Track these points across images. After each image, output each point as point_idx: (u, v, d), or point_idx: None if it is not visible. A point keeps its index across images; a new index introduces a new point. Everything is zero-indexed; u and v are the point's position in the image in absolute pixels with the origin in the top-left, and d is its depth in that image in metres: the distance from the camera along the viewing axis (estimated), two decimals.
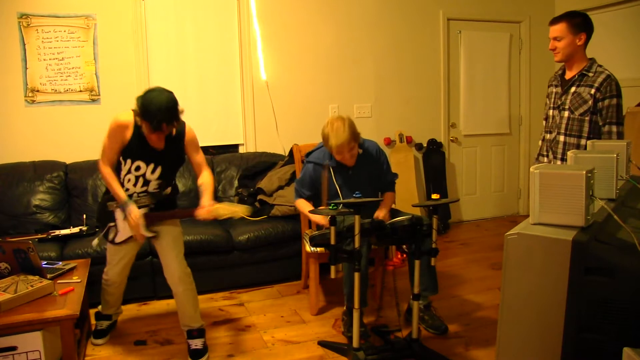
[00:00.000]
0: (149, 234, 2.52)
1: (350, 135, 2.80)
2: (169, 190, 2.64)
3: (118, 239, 2.56)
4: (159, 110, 2.25)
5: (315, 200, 3.09)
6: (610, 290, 1.25)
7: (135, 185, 2.50)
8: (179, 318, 2.69)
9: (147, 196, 2.53)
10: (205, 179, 2.60)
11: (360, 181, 2.98)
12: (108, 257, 2.67)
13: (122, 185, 2.48)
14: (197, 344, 2.65)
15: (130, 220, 2.43)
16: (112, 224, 2.55)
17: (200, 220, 2.46)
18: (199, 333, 2.68)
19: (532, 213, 1.46)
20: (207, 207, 2.45)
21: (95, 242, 2.79)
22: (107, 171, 2.45)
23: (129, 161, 2.45)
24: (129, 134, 2.41)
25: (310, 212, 2.83)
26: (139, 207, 2.48)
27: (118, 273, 2.68)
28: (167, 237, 2.60)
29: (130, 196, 2.49)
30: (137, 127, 2.41)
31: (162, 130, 2.30)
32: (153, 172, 2.50)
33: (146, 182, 2.51)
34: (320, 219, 2.90)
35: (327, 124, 2.85)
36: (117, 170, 2.48)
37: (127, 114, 2.43)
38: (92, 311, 2.94)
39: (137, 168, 2.47)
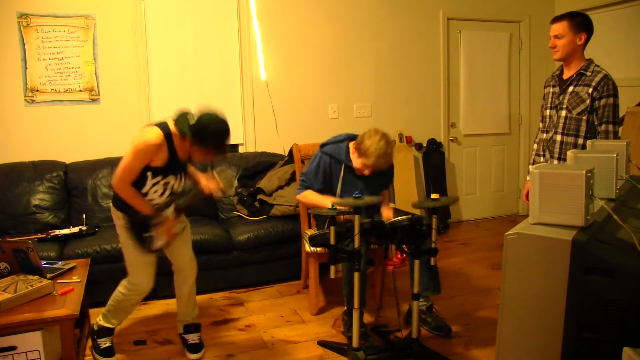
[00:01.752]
0: (180, 229, 2.53)
1: (388, 162, 2.81)
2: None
3: (157, 246, 2.43)
4: (224, 130, 2.24)
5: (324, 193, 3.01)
6: (610, 290, 1.25)
7: (162, 195, 2.40)
8: (180, 314, 2.72)
9: (172, 202, 2.48)
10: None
11: (369, 184, 2.94)
12: (134, 270, 2.49)
13: (146, 195, 2.36)
14: (194, 338, 2.71)
15: (168, 228, 2.38)
16: (146, 234, 2.38)
17: (212, 193, 2.49)
18: (196, 328, 2.73)
19: (531, 213, 1.46)
20: (210, 179, 2.49)
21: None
22: (129, 189, 2.29)
23: (159, 177, 2.34)
24: (164, 153, 2.28)
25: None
26: (169, 208, 2.46)
27: (149, 279, 2.51)
28: (186, 233, 2.64)
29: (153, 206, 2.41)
30: (170, 144, 2.29)
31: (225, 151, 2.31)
32: (181, 181, 2.46)
33: (172, 193, 2.45)
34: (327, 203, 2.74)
35: (373, 136, 2.75)
36: (138, 183, 2.33)
37: (155, 132, 2.25)
38: (92, 311, 2.94)
39: (167, 183, 2.39)
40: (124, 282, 2.52)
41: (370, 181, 2.94)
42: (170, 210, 2.45)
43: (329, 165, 2.95)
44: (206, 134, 2.21)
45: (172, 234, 2.43)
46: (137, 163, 2.26)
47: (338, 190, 2.95)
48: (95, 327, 2.59)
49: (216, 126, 2.22)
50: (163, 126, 2.28)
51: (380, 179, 3.00)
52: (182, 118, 2.26)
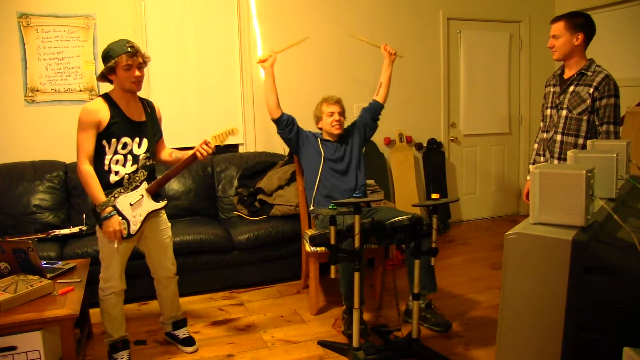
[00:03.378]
0: (160, 204, 2.54)
1: (340, 99, 3.30)
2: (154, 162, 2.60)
3: (134, 229, 2.44)
4: (121, 40, 2.36)
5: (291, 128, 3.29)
6: (610, 290, 1.25)
7: (124, 165, 2.41)
8: (165, 316, 2.76)
9: (140, 171, 2.47)
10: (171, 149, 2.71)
11: (345, 154, 3.27)
12: (106, 263, 2.44)
13: (110, 171, 2.37)
14: (184, 332, 2.75)
15: (114, 229, 2.33)
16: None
17: (203, 159, 2.53)
18: (183, 322, 2.79)
19: (532, 213, 1.46)
20: (202, 145, 2.50)
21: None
22: (86, 169, 2.32)
23: (113, 141, 2.36)
24: (106, 113, 2.35)
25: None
26: (139, 185, 2.46)
27: (120, 275, 2.47)
28: (166, 233, 2.65)
29: (120, 181, 2.39)
30: (112, 104, 2.38)
31: (138, 53, 2.37)
32: (140, 146, 2.45)
33: (135, 159, 2.44)
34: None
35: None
36: (98, 160, 2.37)
37: (94, 101, 2.40)
38: (92, 311, 2.93)
39: (124, 146, 2.40)
40: (99, 284, 2.48)
41: (344, 151, 3.29)
42: (141, 191, 2.46)
43: (307, 135, 3.34)
44: (108, 49, 2.35)
45: (117, 237, 2.36)
46: (84, 134, 2.32)
47: (322, 156, 3.24)
48: (108, 348, 2.55)
49: (111, 43, 2.37)
50: (102, 94, 2.44)
51: (353, 146, 3.31)
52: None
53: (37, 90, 3.84)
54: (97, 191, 2.33)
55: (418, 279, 2.58)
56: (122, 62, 2.32)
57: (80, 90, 3.93)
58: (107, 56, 2.35)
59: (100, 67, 2.41)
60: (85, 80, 3.94)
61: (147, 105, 2.57)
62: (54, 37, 3.84)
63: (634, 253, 1.27)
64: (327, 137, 3.32)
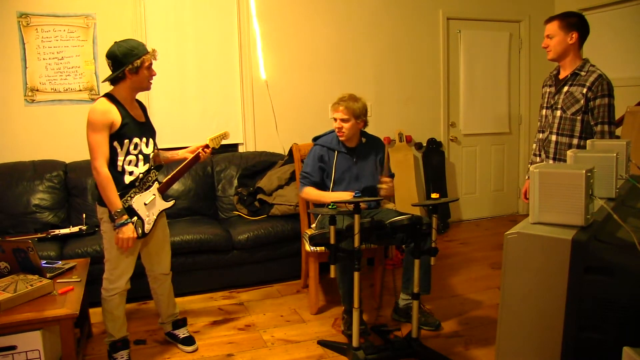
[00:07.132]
0: (170, 204, 2.59)
1: (350, 99, 2.97)
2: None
3: (148, 228, 2.45)
4: (128, 40, 2.36)
5: (321, 188, 3.07)
6: (610, 289, 1.25)
7: (137, 165, 2.41)
8: (163, 315, 2.76)
9: (152, 171, 2.51)
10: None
11: (364, 170, 3.06)
12: (114, 264, 2.43)
13: (124, 171, 2.36)
14: (184, 332, 2.76)
15: (128, 237, 2.32)
16: (134, 219, 2.38)
17: (203, 160, 2.67)
18: (183, 322, 2.79)
19: (531, 212, 1.46)
20: (202, 147, 2.62)
21: None
22: (106, 173, 2.28)
23: (126, 142, 2.35)
24: (117, 114, 2.32)
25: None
26: (151, 184, 2.49)
27: (128, 279, 2.48)
28: (165, 231, 2.67)
29: (134, 181, 2.39)
30: (120, 106, 2.35)
31: (155, 52, 2.39)
32: (147, 145, 2.47)
33: (146, 159, 2.45)
34: (344, 196, 2.81)
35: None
36: (111, 162, 2.34)
37: (100, 101, 2.33)
38: (92, 311, 2.94)
39: (135, 146, 2.40)
40: (103, 284, 2.48)
41: (362, 165, 3.07)
42: (154, 191, 2.50)
43: (323, 155, 3.07)
44: (129, 47, 2.31)
45: (126, 246, 2.35)
46: (98, 136, 2.28)
47: (332, 176, 3.03)
48: (108, 348, 2.55)
49: (122, 42, 2.33)
50: (104, 94, 2.40)
51: (374, 164, 3.10)
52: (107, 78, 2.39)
53: (37, 90, 3.84)
54: (114, 197, 2.30)
55: (418, 278, 2.58)
56: (147, 61, 2.33)
57: (80, 90, 3.93)
58: (130, 54, 2.29)
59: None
60: (85, 79, 3.94)
61: (143, 106, 2.58)
62: (54, 37, 3.83)
63: (633, 253, 1.27)
64: (347, 143, 3.08)
